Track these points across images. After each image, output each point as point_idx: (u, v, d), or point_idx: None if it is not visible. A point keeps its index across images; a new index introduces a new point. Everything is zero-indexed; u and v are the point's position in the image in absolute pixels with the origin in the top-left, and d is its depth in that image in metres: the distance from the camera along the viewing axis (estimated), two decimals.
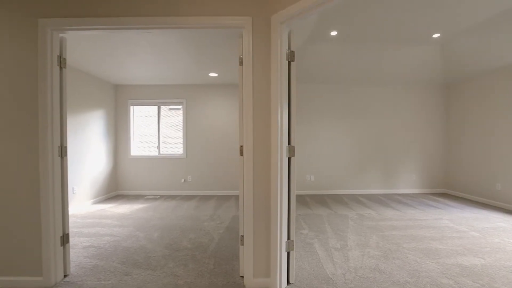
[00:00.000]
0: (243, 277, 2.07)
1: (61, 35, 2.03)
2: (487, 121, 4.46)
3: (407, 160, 5.41)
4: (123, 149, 5.38)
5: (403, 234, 3.01)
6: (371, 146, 5.40)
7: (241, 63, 2.00)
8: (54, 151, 1.97)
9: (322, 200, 4.76)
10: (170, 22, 1.92)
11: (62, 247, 2.05)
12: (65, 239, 2.07)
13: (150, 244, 2.73)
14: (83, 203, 4.37)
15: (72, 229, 3.20)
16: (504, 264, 2.28)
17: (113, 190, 5.26)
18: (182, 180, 5.38)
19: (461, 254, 2.47)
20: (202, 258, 2.41)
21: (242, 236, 2.01)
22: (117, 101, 5.37)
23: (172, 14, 1.93)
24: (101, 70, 4.34)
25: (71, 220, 3.58)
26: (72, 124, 4.11)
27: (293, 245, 1.97)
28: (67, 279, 2.05)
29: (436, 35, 3.61)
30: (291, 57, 1.91)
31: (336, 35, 3.58)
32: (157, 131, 5.51)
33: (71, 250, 2.60)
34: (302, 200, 4.81)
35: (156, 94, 5.35)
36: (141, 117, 5.55)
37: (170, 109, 5.55)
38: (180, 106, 5.47)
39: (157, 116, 5.51)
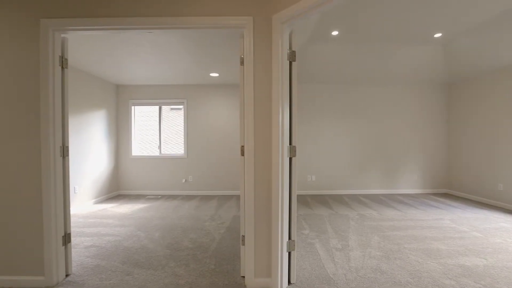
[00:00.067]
0: (244, 277, 2.07)
1: (62, 35, 2.04)
2: (489, 121, 4.44)
3: (408, 160, 5.40)
4: (124, 149, 5.39)
5: (404, 234, 3.01)
6: (372, 146, 5.39)
7: (242, 63, 2.00)
8: (56, 151, 1.97)
9: (323, 200, 4.75)
10: (172, 22, 1.92)
11: (63, 247, 2.05)
12: (66, 238, 2.08)
13: (151, 244, 2.74)
14: (85, 203, 4.38)
15: (73, 229, 3.21)
16: (506, 264, 2.27)
17: (115, 190, 5.27)
18: (183, 180, 5.39)
19: (463, 255, 2.46)
20: (203, 258, 2.41)
21: (243, 236, 2.01)
22: (119, 101, 5.38)
23: (173, 14, 1.93)
24: (102, 70, 4.35)
25: (72, 219, 3.59)
26: (74, 124, 4.12)
27: (294, 245, 1.97)
28: (68, 278, 2.06)
29: (437, 35, 3.60)
30: (292, 57, 1.91)
31: (337, 35, 3.58)
32: (158, 131, 5.52)
33: (72, 249, 2.61)
34: (303, 200, 4.81)
35: (157, 94, 5.36)
36: (142, 117, 5.56)
37: (171, 109, 5.56)
38: (181, 106, 5.48)
39: (158, 116, 5.52)
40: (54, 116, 1.96)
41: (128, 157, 5.39)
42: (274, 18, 1.85)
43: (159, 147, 5.51)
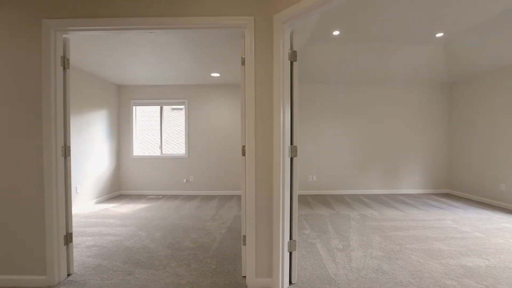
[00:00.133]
0: (245, 277, 2.07)
1: (64, 35, 2.04)
2: (490, 121, 4.42)
3: (409, 160, 5.39)
4: (125, 149, 5.41)
5: (406, 234, 3.00)
6: (373, 146, 5.38)
7: (243, 63, 2.00)
8: (58, 151, 1.98)
9: (324, 200, 4.75)
10: (173, 23, 1.92)
11: (65, 246, 2.06)
12: (68, 238, 2.09)
13: (152, 244, 2.74)
14: (86, 203, 4.39)
15: (75, 229, 3.22)
16: (508, 265, 2.26)
17: (116, 189, 5.28)
18: (184, 180, 5.39)
19: (465, 255, 2.45)
20: (204, 258, 2.41)
21: (244, 236, 2.01)
22: (120, 101, 5.39)
23: (174, 14, 1.93)
24: (103, 70, 4.36)
25: (74, 219, 3.60)
26: (75, 124, 4.14)
27: (295, 245, 1.97)
28: (70, 278, 2.07)
29: (439, 35, 3.58)
30: (293, 57, 1.91)
31: (338, 34, 3.57)
32: (159, 131, 5.53)
33: (74, 249, 2.61)
34: (304, 200, 4.80)
35: (159, 94, 5.37)
36: (144, 117, 5.57)
37: (173, 109, 5.57)
38: (182, 106, 5.48)
39: (159, 116, 5.53)
40: (56, 116, 1.97)
41: (130, 157, 5.40)
42: (275, 18, 1.85)
43: (160, 147, 5.51)
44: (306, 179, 5.35)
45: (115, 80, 5.01)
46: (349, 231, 3.11)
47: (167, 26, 1.94)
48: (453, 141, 5.30)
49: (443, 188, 5.40)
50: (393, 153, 5.39)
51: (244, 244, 2.02)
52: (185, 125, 5.39)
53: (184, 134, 5.49)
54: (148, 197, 5.14)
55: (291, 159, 1.93)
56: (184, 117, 5.47)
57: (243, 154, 2.01)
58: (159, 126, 5.53)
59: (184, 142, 5.50)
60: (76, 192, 4.16)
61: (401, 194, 5.24)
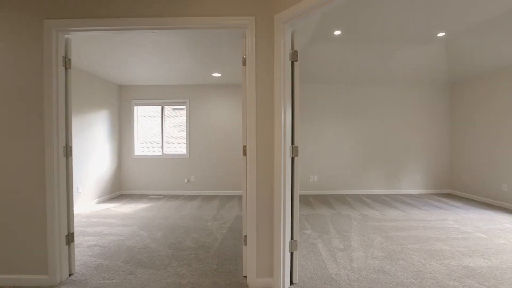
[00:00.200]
0: (246, 277, 2.07)
1: (66, 36, 2.05)
2: (492, 121, 4.40)
3: (411, 160, 5.37)
4: (127, 149, 5.42)
5: (407, 234, 2.99)
6: (374, 146, 5.37)
7: (244, 63, 2.00)
8: (60, 151, 1.99)
9: (325, 200, 4.74)
10: (173, 23, 1.93)
11: (67, 246, 2.07)
12: (70, 238, 2.09)
13: (153, 244, 2.75)
14: (88, 203, 4.41)
15: (77, 228, 3.23)
16: (510, 266, 2.25)
17: (117, 189, 5.30)
18: (185, 180, 5.40)
19: (467, 256, 2.44)
20: (206, 258, 2.41)
21: (246, 236, 2.01)
22: (121, 101, 5.40)
23: (175, 14, 1.93)
24: (105, 70, 4.37)
25: (76, 219, 3.61)
26: (77, 124, 4.15)
27: (296, 245, 1.97)
28: (72, 277, 2.07)
29: (441, 34, 3.57)
30: (294, 57, 1.91)
31: (339, 34, 3.57)
32: (160, 131, 5.54)
33: (76, 249, 2.62)
34: (305, 200, 4.80)
35: (160, 94, 5.38)
36: (145, 117, 5.58)
37: (174, 109, 5.58)
38: (183, 106, 5.49)
39: (160, 116, 5.54)
40: (58, 116, 1.97)
41: (131, 157, 5.41)
42: (276, 18, 1.85)
43: (162, 147, 5.52)
44: (307, 179, 5.34)
45: (116, 80, 5.02)
46: (350, 231, 3.11)
47: (168, 26, 1.94)
48: (454, 141, 5.28)
49: (444, 188, 5.39)
50: (395, 153, 5.38)
51: (245, 244, 2.02)
52: (186, 125, 5.40)
53: (185, 134, 5.50)
54: (149, 197, 5.15)
55: (292, 159, 1.93)
56: (185, 117, 5.47)
57: (244, 154, 2.01)
58: (160, 126, 5.54)
59: (185, 142, 5.50)
60: (78, 192, 4.18)
61: (402, 194, 5.23)
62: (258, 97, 1.93)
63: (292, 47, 1.91)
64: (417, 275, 2.10)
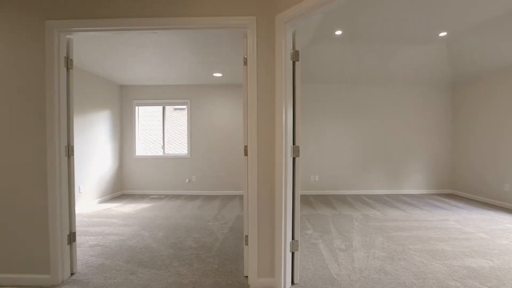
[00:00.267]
0: (247, 277, 2.07)
1: (67, 36, 2.06)
2: (494, 121, 4.38)
3: (412, 160, 5.36)
4: (128, 149, 5.43)
5: (409, 235, 2.98)
6: (376, 146, 5.36)
7: (245, 63, 2.00)
8: (61, 151, 2.00)
9: (326, 201, 4.74)
10: (175, 23, 1.93)
11: (69, 246, 2.07)
12: (72, 237, 2.10)
13: (155, 244, 2.75)
14: (89, 202, 4.42)
15: (78, 228, 3.24)
16: None
17: (119, 189, 5.31)
18: (187, 180, 5.41)
19: (469, 256, 2.43)
20: (207, 258, 2.41)
21: (247, 236, 2.01)
22: (123, 102, 5.42)
23: (177, 14, 1.94)
24: (106, 70, 4.39)
25: (77, 219, 3.63)
26: (79, 124, 4.16)
27: (297, 245, 1.96)
28: (74, 277, 2.08)
29: (442, 34, 3.56)
30: (295, 57, 1.90)
31: (340, 34, 3.56)
32: (161, 131, 5.55)
33: (77, 248, 2.63)
34: (307, 200, 4.80)
35: (161, 94, 5.39)
36: (146, 117, 5.59)
37: (175, 109, 5.58)
38: (184, 106, 5.50)
39: (162, 116, 5.55)
40: (60, 116, 1.98)
41: (132, 157, 5.42)
42: (277, 18, 1.85)
43: (163, 147, 5.53)
44: (308, 179, 5.34)
45: (117, 80, 5.03)
46: (352, 232, 3.10)
47: (169, 26, 1.94)
48: (456, 141, 5.26)
49: (446, 189, 5.37)
50: (396, 153, 5.36)
51: (246, 244, 2.02)
52: (187, 125, 5.40)
53: (186, 134, 5.51)
54: (151, 197, 5.16)
55: (293, 159, 1.93)
56: (186, 117, 5.48)
57: (245, 154, 2.01)
58: (162, 126, 5.55)
59: (186, 142, 5.51)
60: (79, 192, 4.19)
61: (404, 195, 5.22)
62: (259, 97, 1.93)
63: (293, 47, 1.91)
64: (418, 276, 2.09)
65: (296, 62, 1.92)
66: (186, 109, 5.48)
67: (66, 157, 2.05)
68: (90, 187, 4.44)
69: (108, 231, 3.13)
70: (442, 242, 2.76)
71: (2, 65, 1.95)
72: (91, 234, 3.03)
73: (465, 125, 5.02)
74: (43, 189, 1.96)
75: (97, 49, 3.49)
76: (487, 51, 3.86)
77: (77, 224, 3.41)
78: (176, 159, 5.42)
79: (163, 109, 5.54)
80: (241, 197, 5.12)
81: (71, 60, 2.08)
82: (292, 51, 1.89)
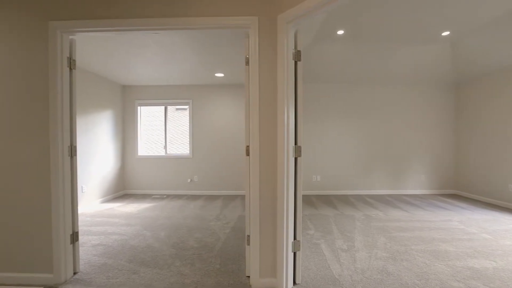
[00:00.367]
0: (249, 277, 2.07)
1: (70, 37, 2.07)
2: (498, 120, 4.35)
3: (415, 160, 5.33)
4: (130, 149, 5.45)
5: (411, 235, 2.97)
6: (378, 146, 5.34)
7: (247, 63, 2.00)
8: (64, 151, 2.01)
9: (328, 201, 4.72)
10: (177, 23, 1.93)
11: (71, 245, 2.08)
12: (74, 237, 2.11)
13: (157, 243, 2.76)
14: (92, 202, 4.44)
15: (81, 228, 3.25)
16: None
17: (121, 189, 5.33)
18: (189, 180, 5.42)
19: (472, 257, 2.42)
20: (209, 258, 2.42)
21: (248, 236, 2.01)
22: (125, 102, 5.44)
23: (179, 15, 1.94)
24: (109, 71, 4.41)
25: (80, 218, 3.65)
26: (81, 124, 4.18)
27: (299, 245, 1.96)
28: (76, 276, 2.09)
29: (445, 33, 3.54)
30: (297, 56, 1.90)
31: (343, 34, 3.55)
32: (163, 131, 5.56)
33: (80, 248, 2.64)
34: (308, 200, 4.79)
35: (163, 95, 5.41)
36: (148, 117, 5.61)
37: (177, 109, 5.60)
38: (186, 106, 5.51)
39: (163, 116, 5.57)
40: (63, 116, 1.99)
41: (134, 157, 5.44)
42: (279, 18, 1.85)
43: (165, 147, 5.55)
44: (310, 179, 5.33)
45: (120, 81, 5.05)
46: (354, 232, 3.09)
47: (171, 26, 1.95)
48: (459, 141, 5.23)
49: (449, 189, 5.33)
50: (398, 153, 5.34)
51: (248, 244, 2.02)
52: (189, 125, 5.41)
53: (188, 134, 5.52)
54: (153, 196, 5.17)
55: (295, 159, 1.93)
56: (188, 117, 5.49)
57: (247, 154, 2.01)
58: (164, 126, 5.57)
59: (188, 142, 5.52)
60: (82, 192, 4.21)
61: (407, 195, 5.19)
62: (261, 97, 1.93)
63: (295, 47, 1.90)
64: (421, 276, 2.08)
65: (298, 62, 1.92)
66: (188, 109, 5.49)
67: (69, 157, 2.06)
68: (93, 187, 4.46)
69: (110, 231, 3.14)
70: (445, 243, 2.74)
71: (5, 66, 1.96)
72: (94, 234, 3.04)
73: (469, 125, 4.99)
74: (46, 188, 1.97)
75: (99, 50, 3.51)
76: (491, 51, 3.83)
77: (79, 223, 3.43)
78: (178, 159, 5.43)
79: (165, 109, 5.56)
80: (243, 197, 5.13)
81: (74, 60, 2.10)
82: (294, 51, 1.88)
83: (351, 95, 5.33)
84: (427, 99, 5.32)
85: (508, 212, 3.88)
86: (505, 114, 4.24)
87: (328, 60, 4.35)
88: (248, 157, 2.01)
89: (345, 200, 4.79)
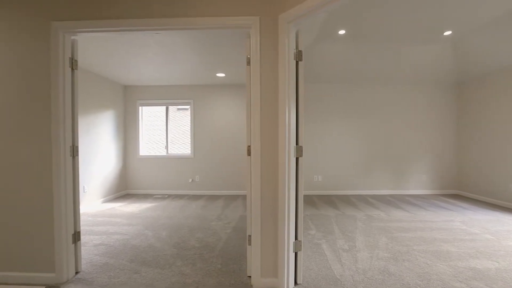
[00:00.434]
0: (250, 276, 2.07)
1: (72, 37, 2.08)
2: (501, 120, 4.33)
3: (417, 160, 5.31)
4: (132, 149, 5.47)
5: (413, 236, 2.96)
6: (379, 146, 5.33)
7: (248, 63, 2.00)
8: (66, 151, 2.01)
9: (329, 201, 4.72)
10: (178, 23, 1.94)
11: (73, 245, 2.09)
12: (76, 237, 2.12)
13: (158, 243, 2.77)
14: (94, 202, 4.46)
15: (83, 227, 3.27)
16: None
17: (123, 189, 5.35)
18: (190, 180, 5.42)
19: (474, 257, 2.40)
20: (210, 258, 2.42)
21: (250, 236, 2.01)
22: (126, 102, 5.45)
23: (180, 15, 1.94)
24: (110, 71, 4.42)
25: (82, 218, 3.66)
26: (83, 124, 4.20)
27: (300, 245, 1.96)
28: (78, 275, 2.10)
29: (447, 33, 3.52)
30: (298, 56, 1.90)
31: (344, 34, 3.55)
32: (165, 131, 5.58)
33: (82, 247, 2.65)
34: (310, 200, 4.78)
35: (164, 95, 5.42)
36: (150, 117, 5.62)
37: (178, 109, 5.61)
38: (188, 107, 5.52)
39: (165, 116, 5.58)
40: (65, 116, 2.00)
41: (136, 157, 5.46)
42: (281, 18, 1.85)
43: (166, 147, 5.56)
44: (311, 179, 5.32)
45: (121, 81, 5.07)
46: (355, 232, 3.09)
47: (172, 27, 1.95)
48: (461, 141, 5.20)
49: (451, 189, 5.31)
50: (400, 153, 5.32)
51: (250, 244, 2.02)
52: (190, 125, 5.42)
53: (189, 134, 5.52)
54: (154, 196, 5.19)
55: (297, 159, 1.93)
56: (189, 117, 5.50)
57: (249, 154, 2.01)
58: (165, 126, 5.58)
59: (189, 142, 5.53)
60: (84, 192, 4.23)
61: (408, 195, 5.18)
62: (263, 97, 1.93)
63: (297, 47, 1.90)
64: (423, 277, 2.08)
65: (300, 62, 1.91)
66: (189, 109, 5.50)
67: (71, 157, 2.06)
68: (95, 187, 4.48)
69: (112, 231, 3.15)
70: (447, 243, 2.73)
71: (7, 66, 1.97)
72: (96, 233, 3.05)
73: (470, 125, 4.96)
74: (48, 188, 1.98)
75: (100, 50, 3.52)
76: (494, 50, 3.81)
77: (81, 223, 3.44)
78: (179, 159, 5.44)
79: (167, 109, 5.57)
80: (244, 197, 5.13)
81: (76, 60, 2.10)
82: (295, 50, 1.88)
83: (353, 95, 5.32)
84: (428, 99, 5.30)
85: (511, 213, 3.86)
86: (507, 113, 4.21)
87: (329, 60, 4.34)
88: (249, 157, 2.01)
89: (347, 200, 4.78)
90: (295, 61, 1.88)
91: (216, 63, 4.11)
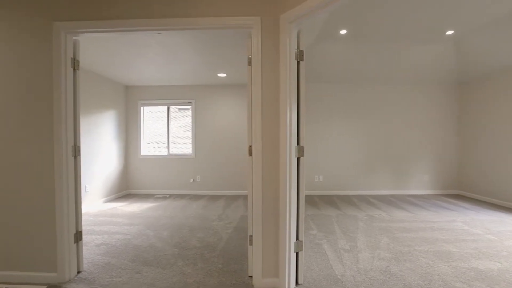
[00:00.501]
0: (251, 276, 2.07)
1: (74, 37, 2.08)
2: (503, 120, 4.30)
3: (418, 160, 5.29)
4: (133, 149, 5.48)
5: (414, 236, 2.95)
6: (381, 146, 5.31)
7: (250, 63, 2.00)
8: (68, 151, 2.02)
9: (331, 201, 4.71)
10: (180, 24, 1.94)
11: (75, 244, 2.10)
12: (78, 236, 2.13)
13: (159, 243, 2.77)
14: (95, 202, 4.47)
15: (84, 227, 3.28)
16: None
17: (124, 189, 5.36)
18: (191, 180, 5.43)
19: (476, 258, 2.39)
20: (211, 257, 2.42)
21: (251, 236, 2.01)
22: (128, 102, 5.47)
23: (181, 15, 1.95)
24: (112, 71, 4.43)
25: (83, 218, 3.67)
26: (84, 124, 4.21)
27: (302, 245, 1.96)
28: (80, 275, 2.11)
29: (449, 32, 3.51)
30: (300, 56, 1.90)
31: (345, 33, 3.54)
32: (166, 131, 5.59)
33: (83, 247, 2.66)
34: (311, 200, 4.78)
35: (166, 95, 5.43)
36: (151, 117, 5.64)
37: (179, 109, 5.61)
38: (189, 107, 5.52)
39: (166, 116, 5.59)
40: (67, 116, 2.01)
41: (137, 157, 5.47)
42: (282, 18, 1.84)
43: (168, 147, 5.57)
44: (312, 179, 5.31)
45: (123, 81, 5.08)
46: (356, 232, 3.08)
47: (173, 27, 1.95)
48: (463, 141, 5.18)
49: (453, 189, 5.29)
50: (401, 153, 5.31)
51: (251, 244, 2.02)
52: (191, 125, 5.43)
53: (191, 134, 5.53)
54: (156, 196, 5.20)
55: (298, 159, 1.93)
56: (190, 117, 5.50)
57: (250, 154, 2.01)
58: (166, 126, 5.59)
59: (191, 142, 5.53)
60: (85, 191, 4.24)
61: (410, 195, 5.16)
62: (264, 97, 1.93)
63: (298, 47, 1.90)
64: (424, 277, 2.07)
65: (301, 62, 1.91)
66: (190, 109, 5.50)
67: (73, 157, 2.07)
68: (96, 187, 4.49)
69: (113, 230, 3.16)
70: (448, 244, 2.72)
71: (10, 66, 1.98)
72: (97, 233, 3.06)
73: (472, 125, 4.94)
74: (50, 188, 1.99)
75: (102, 50, 3.53)
76: (494, 50, 3.79)
77: (83, 223, 3.45)
78: (180, 159, 5.45)
79: (168, 109, 5.58)
80: (245, 197, 5.13)
81: (78, 61, 2.11)
82: (296, 50, 1.88)
83: (354, 95, 5.31)
84: (430, 99, 5.28)
85: None
86: (509, 113, 4.19)
87: (330, 59, 4.34)
88: (250, 157, 2.01)
89: (348, 200, 4.77)
90: (296, 61, 1.88)
91: (217, 63, 4.11)
